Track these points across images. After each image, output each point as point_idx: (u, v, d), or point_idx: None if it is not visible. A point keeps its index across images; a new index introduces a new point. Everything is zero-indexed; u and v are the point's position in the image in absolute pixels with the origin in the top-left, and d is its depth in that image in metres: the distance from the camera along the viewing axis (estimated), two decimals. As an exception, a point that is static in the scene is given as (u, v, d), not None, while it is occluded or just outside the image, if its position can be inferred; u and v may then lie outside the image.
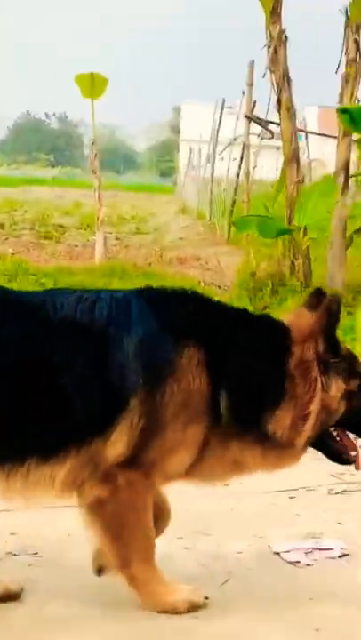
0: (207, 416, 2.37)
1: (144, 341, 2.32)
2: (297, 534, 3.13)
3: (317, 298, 2.58)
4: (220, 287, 9.00)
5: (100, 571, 2.58)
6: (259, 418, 2.41)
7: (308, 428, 2.43)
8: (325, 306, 2.50)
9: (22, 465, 2.31)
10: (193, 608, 2.46)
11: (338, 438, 2.58)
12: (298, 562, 2.93)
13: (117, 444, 2.31)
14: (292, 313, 2.68)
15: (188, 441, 2.37)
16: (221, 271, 9.66)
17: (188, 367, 2.33)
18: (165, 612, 2.44)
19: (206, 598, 2.53)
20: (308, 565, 2.92)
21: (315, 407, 2.43)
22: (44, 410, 2.31)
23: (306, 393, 2.43)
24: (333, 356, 2.49)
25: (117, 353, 2.30)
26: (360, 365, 2.58)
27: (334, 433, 2.56)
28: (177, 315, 2.41)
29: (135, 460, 2.34)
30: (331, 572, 2.88)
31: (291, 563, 2.93)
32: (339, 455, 2.58)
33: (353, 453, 2.59)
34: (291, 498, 3.55)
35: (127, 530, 2.40)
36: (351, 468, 2.70)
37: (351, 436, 2.62)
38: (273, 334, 2.51)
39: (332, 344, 2.49)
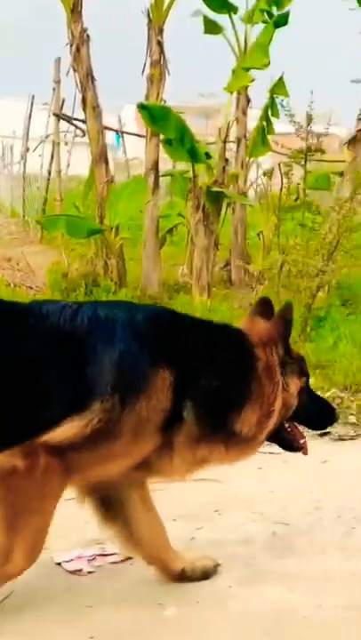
0: (162, 434, 2.51)
1: (124, 356, 2.46)
2: (82, 542, 3.11)
3: (265, 306, 2.89)
4: (31, 288, 8.77)
5: None
6: (227, 421, 2.63)
7: (272, 424, 2.71)
8: (282, 314, 2.81)
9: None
10: None
11: (289, 429, 2.88)
12: (79, 570, 2.92)
13: (60, 431, 2.36)
14: (244, 321, 2.90)
15: (132, 454, 2.53)
16: (32, 272, 9.42)
17: (159, 387, 2.48)
18: None
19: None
20: (89, 573, 2.92)
21: (278, 405, 2.71)
22: (22, 402, 2.40)
23: (271, 393, 2.69)
24: (289, 358, 2.80)
25: (93, 362, 2.43)
26: (305, 364, 2.94)
27: (286, 425, 2.86)
28: (155, 336, 2.57)
29: (66, 454, 2.39)
30: (111, 577, 2.90)
31: (72, 572, 2.92)
32: (290, 444, 2.89)
33: (302, 441, 2.91)
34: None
35: (25, 516, 2.42)
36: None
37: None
38: (237, 343, 2.74)
39: (288, 347, 2.81)
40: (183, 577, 2.81)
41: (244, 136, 10.02)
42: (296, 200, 8.75)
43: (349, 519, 3.46)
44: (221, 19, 9.54)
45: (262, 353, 2.71)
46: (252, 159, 10.40)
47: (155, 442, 2.53)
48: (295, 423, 2.91)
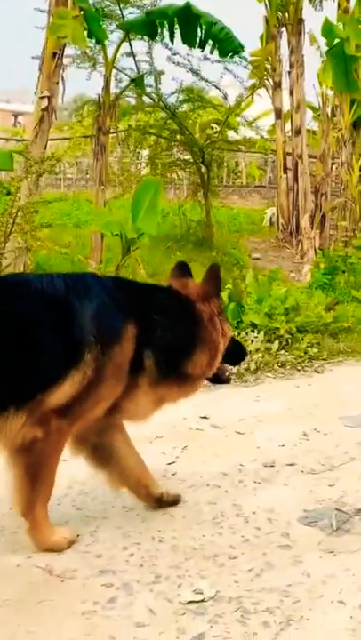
0: (129, 376, 2.88)
1: (100, 311, 2.80)
2: None
3: (184, 268, 3.25)
4: None
5: None
6: (181, 365, 3.06)
7: (217, 363, 3.19)
8: (212, 273, 3.18)
9: (6, 415, 2.67)
10: (71, 544, 2.90)
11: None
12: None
13: (63, 393, 2.70)
14: (172, 281, 3.21)
15: (111, 396, 2.88)
16: None
17: (127, 337, 2.85)
18: (51, 550, 2.84)
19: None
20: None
21: (222, 347, 3.17)
22: (19, 362, 2.69)
23: (216, 338, 3.13)
24: (221, 310, 3.22)
25: (78, 316, 2.74)
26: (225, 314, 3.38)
27: None
28: (121, 294, 2.93)
29: (68, 410, 2.74)
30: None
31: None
32: (220, 378, 3.34)
33: (227, 374, 3.45)
34: None
35: (44, 472, 2.81)
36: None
37: None
38: (181, 300, 3.11)
39: (219, 301, 3.23)
40: (161, 501, 3.25)
41: None
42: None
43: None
44: None
45: (204, 307, 3.13)
46: None
47: (123, 385, 2.89)
48: None
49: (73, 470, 3.56)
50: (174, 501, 3.30)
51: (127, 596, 2.58)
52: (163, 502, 3.26)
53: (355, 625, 2.44)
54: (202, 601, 2.55)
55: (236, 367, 5.32)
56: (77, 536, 2.98)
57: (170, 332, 3.00)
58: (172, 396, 3.11)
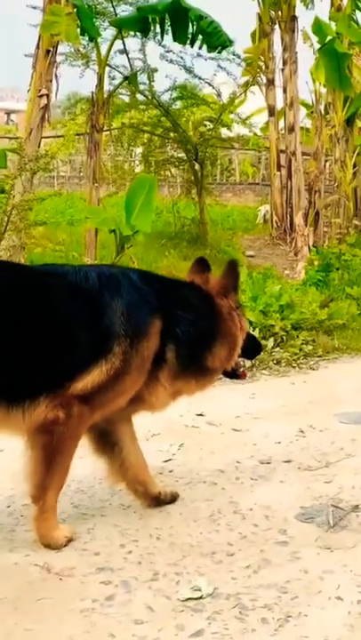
0: (150, 368, 2.97)
1: (130, 306, 2.88)
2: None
3: (203, 264, 3.31)
4: None
5: None
6: (201, 358, 3.15)
7: (236, 356, 3.28)
8: (232, 269, 3.30)
9: (35, 400, 2.74)
10: (69, 542, 2.91)
11: None
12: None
13: (90, 380, 2.78)
14: (192, 277, 3.29)
15: (134, 388, 2.95)
16: None
17: (154, 331, 2.94)
18: (48, 545, 2.87)
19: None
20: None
21: (240, 341, 3.25)
22: (52, 351, 2.79)
23: (235, 332, 3.22)
24: (239, 304, 3.33)
25: (109, 310, 2.84)
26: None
27: None
28: (148, 289, 3.00)
29: (92, 397, 2.81)
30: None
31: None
32: (235, 372, 3.38)
33: (241, 369, 3.46)
34: None
35: (60, 456, 2.84)
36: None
37: None
38: (202, 294, 3.21)
39: (238, 296, 3.34)
40: (158, 500, 3.26)
41: None
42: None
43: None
44: None
45: (223, 301, 3.23)
46: None
47: (145, 377, 2.97)
48: None
49: (70, 468, 3.55)
50: (171, 499, 3.31)
51: (125, 594, 2.59)
52: (160, 501, 3.27)
53: (353, 620, 2.45)
54: (200, 598, 2.55)
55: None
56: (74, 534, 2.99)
57: (192, 327, 3.08)
58: (189, 389, 3.20)
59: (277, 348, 6.19)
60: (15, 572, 2.72)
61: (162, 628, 2.39)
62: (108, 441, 3.17)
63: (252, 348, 3.47)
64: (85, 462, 3.61)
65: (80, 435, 2.91)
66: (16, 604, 2.51)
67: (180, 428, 4.33)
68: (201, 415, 4.53)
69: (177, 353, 3.04)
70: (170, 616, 2.46)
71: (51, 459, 2.81)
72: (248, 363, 5.37)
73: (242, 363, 3.51)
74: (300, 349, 6.23)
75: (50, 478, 2.83)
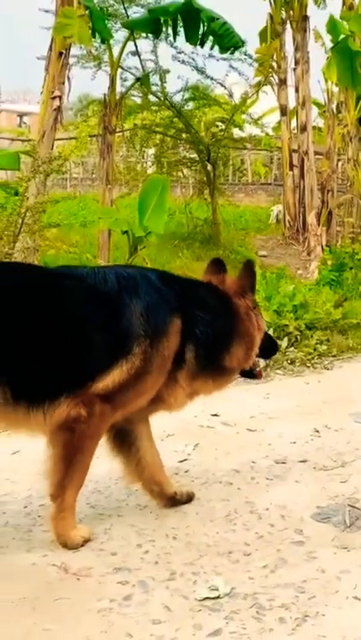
0: (169, 369, 2.99)
1: (149, 307, 2.91)
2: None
3: (219, 265, 3.32)
4: None
5: None
6: (219, 358, 3.17)
7: (254, 356, 3.29)
8: (249, 269, 3.33)
9: (56, 401, 2.77)
10: (85, 542, 2.93)
11: None
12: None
13: (112, 379, 2.81)
14: (208, 277, 3.30)
15: (154, 387, 2.97)
16: None
17: (173, 332, 2.96)
18: (65, 545, 2.89)
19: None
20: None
21: (258, 340, 3.27)
22: (75, 353, 2.81)
23: (252, 331, 3.24)
24: (256, 304, 3.34)
25: (128, 311, 2.86)
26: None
27: None
28: (168, 289, 3.01)
29: (112, 397, 2.84)
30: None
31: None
32: (252, 372, 3.40)
33: (258, 369, 3.46)
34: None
35: (80, 455, 2.87)
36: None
37: None
38: (219, 295, 3.21)
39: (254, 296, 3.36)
40: (174, 500, 3.27)
41: None
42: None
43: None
44: None
45: (240, 301, 3.24)
46: None
47: (165, 377, 2.99)
48: None
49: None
50: (187, 499, 3.32)
51: (143, 594, 2.60)
52: (176, 501, 3.29)
53: (370, 620, 2.45)
54: (217, 597, 2.56)
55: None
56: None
57: (211, 327, 3.09)
58: (206, 389, 3.22)
59: (291, 348, 6.18)
60: (33, 572, 2.74)
61: (179, 627, 2.40)
62: (125, 441, 3.18)
63: (268, 348, 3.48)
64: (102, 462, 3.63)
65: (101, 434, 2.93)
66: (34, 603, 2.53)
67: (195, 428, 4.33)
68: (216, 415, 4.53)
69: (196, 353, 3.05)
70: (187, 615, 2.46)
71: (71, 457, 2.83)
72: (262, 362, 5.36)
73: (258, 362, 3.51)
74: (315, 349, 6.22)
75: (69, 477, 2.85)
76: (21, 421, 2.79)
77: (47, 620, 2.44)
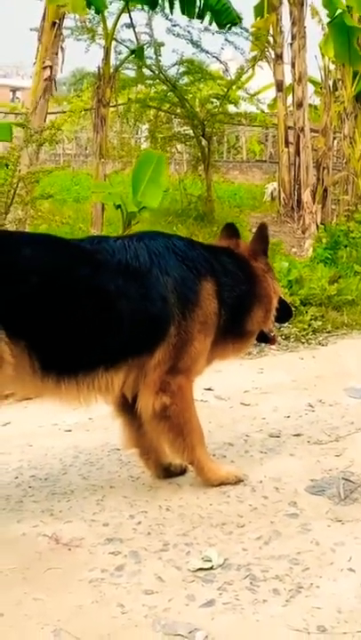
0: (215, 328, 3.09)
1: (177, 280, 2.97)
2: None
3: (232, 229, 3.40)
4: None
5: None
6: (242, 321, 3.24)
7: (272, 318, 3.36)
8: (262, 233, 3.37)
9: (93, 373, 2.87)
10: (238, 480, 3.19)
11: None
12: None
13: (158, 358, 2.94)
14: (222, 242, 3.37)
15: (206, 348, 3.08)
16: None
17: (206, 296, 3.04)
18: (222, 483, 3.14)
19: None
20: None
21: (275, 302, 3.35)
22: (109, 328, 2.86)
23: (270, 293, 3.31)
24: (270, 267, 3.41)
25: (160, 287, 2.93)
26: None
27: None
28: (194, 258, 3.07)
29: (175, 369, 2.98)
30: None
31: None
32: (266, 337, 3.46)
33: (273, 334, 3.53)
34: None
35: (188, 424, 3.05)
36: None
37: None
38: (239, 258, 3.26)
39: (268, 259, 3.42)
40: (168, 471, 3.27)
41: None
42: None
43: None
44: None
45: (257, 264, 3.29)
46: None
47: (213, 335, 3.09)
48: None
49: (79, 440, 3.53)
50: (181, 472, 3.29)
51: (135, 564, 2.56)
52: (170, 472, 3.26)
53: (365, 592, 2.42)
54: (210, 568, 2.53)
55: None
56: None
57: (235, 291, 3.16)
58: (224, 353, 3.28)
59: (286, 324, 6.13)
60: (24, 542, 2.70)
61: (172, 598, 2.37)
62: (131, 404, 3.13)
63: (283, 311, 3.50)
64: (94, 435, 3.59)
65: (191, 398, 3.06)
66: (25, 573, 2.49)
67: (189, 401, 4.28)
68: (209, 390, 4.49)
69: (224, 316, 3.11)
70: (180, 586, 2.43)
71: (180, 430, 3.03)
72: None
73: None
74: (309, 325, 6.18)
75: (190, 440, 3.05)
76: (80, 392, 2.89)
77: (38, 589, 2.40)
